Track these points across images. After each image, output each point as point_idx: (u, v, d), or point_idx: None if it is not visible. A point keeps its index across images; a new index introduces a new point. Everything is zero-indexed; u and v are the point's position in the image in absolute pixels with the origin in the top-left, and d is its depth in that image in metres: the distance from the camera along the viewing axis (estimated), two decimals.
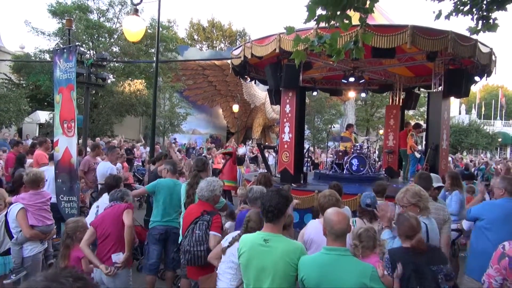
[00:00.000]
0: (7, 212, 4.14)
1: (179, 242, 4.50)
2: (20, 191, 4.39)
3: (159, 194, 4.73)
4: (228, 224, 4.67)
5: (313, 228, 3.44)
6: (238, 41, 35.74)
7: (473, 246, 3.94)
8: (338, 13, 3.05)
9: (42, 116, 20.86)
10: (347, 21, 3.14)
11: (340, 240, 2.49)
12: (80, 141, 10.48)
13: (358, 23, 3.72)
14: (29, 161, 7.63)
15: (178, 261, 4.89)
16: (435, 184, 4.30)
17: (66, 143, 5.58)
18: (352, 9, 3.09)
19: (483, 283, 2.84)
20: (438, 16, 4.40)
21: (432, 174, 4.54)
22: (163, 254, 4.81)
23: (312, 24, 3.41)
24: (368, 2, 3.10)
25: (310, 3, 2.99)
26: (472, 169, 14.12)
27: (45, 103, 21.67)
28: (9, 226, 4.09)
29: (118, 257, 3.66)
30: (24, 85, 21.83)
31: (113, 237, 3.71)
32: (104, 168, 6.45)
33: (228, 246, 3.10)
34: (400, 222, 2.88)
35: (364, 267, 2.44)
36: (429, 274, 2.65)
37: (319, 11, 3.09)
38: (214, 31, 36.90)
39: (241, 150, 17.18)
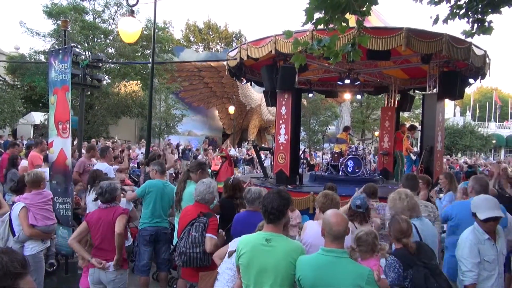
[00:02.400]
0: (11, 211, 4.21)
1: (174, 243, 4.49)
2: (24, 190, 4.44)
3: (149, 195, 4.67)
4: None
5: (312, 231, 3.40)
6: (234, 42, 35.78)
7: (446, 246, 4.07)
8: (337, 16, 3.06)
9: (37, 117, 20.75)
10: (344, 24, 3.16)
11: (338, 241, 2.50)
12: (75, 142, 10.43)
13: (354, 25, 3.74)
14: (24, 162, 7.56)
15: (171, 262, 4.89)
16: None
17: (61, 144, 5.55)
18: (350, 12, 3.11)
19: None
20: (436, 21, 4.44)
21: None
22: (153, 254, 4.79)
23: (308, 25, 3.43)
24: (365, 5, 3.12)
25: (308, 6, 3.00)
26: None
27: (40, 104, 21.58)
28: (12, 225, 4.14)
29: (109, 265, 3.67)
30: (18, 86, 21.72)
31: (110, 242, 3.68)
32: (101, 169, 6.40)
33: (235, 250, 3.09)
34: (391, 224, 2.95)
35: (361, 269, 2.45)
36: (439, 270, 2.70)
37: (317, 14, 3.11)
38: (210, 32, 36.92)
39: (232, 152, 17.22)
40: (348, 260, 2.48)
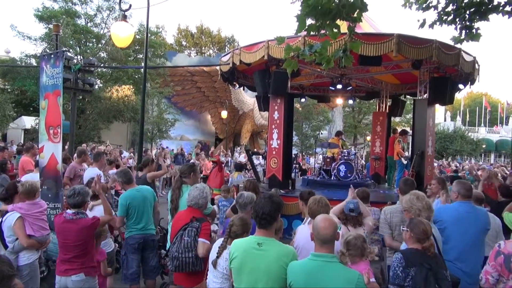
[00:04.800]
0: (1, 221, 4.08)
1: (167, 248, 4.47)
2: (14, 199, 4.32)
3: (129, 209, 4.60)
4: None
5: (303, 234, 3.43)
6: (226, 47, 35.84)
7: None
8: (327, 22, 3.10)
9: (28, 121, 20.56)
10: (336, 30, 3.20)
11: (327, 246, 2.52)
12: (67, 147, 10.35)
13: (346, 31, 3.78)
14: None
15: (163, 266, 4.85)
16: None
17: (52, 149, 5.51)
18: (340, 19, 3.15)
19: (481, 279, 2.99)
20: (422, 25, 4.54)
21: None
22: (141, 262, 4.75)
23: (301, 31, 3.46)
24: (356, 12, 3.16)
25: (300, 14, 3.04)
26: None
27: (31, 109, 21.39)
28: (3, 235, 4.04)
29: (77, 278, 3.66)
30: (9, 90, 21.51)
31: (72, 253, 3.69)
32: (91, 174, 6.36)
33: (217, 257, 3.09)
34: (414, 224, 2.86)
35: (350, 274, 2.47)
36: (444, 276, 2.67)
37: (309, 21, 3.15)
38: (203, 37, 36.95)
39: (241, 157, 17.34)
40: (337, 264, 2.50)
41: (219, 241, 3.23)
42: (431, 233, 2.84)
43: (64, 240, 3.70)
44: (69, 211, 3.78)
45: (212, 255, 3.19)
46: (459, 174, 12.01)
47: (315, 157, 14.49)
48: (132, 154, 16.62)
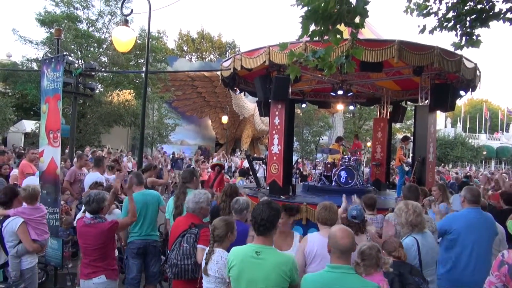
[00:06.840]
0: (2, 226, 4.08)
1: (165, 255, 4.43)
2: (13, 203, 4.30)
3: None
4: None
5: (316, 241, 3.33)
6: (227, 52, 35.97)
7: (442, 257, 3.97)
8: (330, 27, 3.09)
9: (28, 125, 20.59)
10: (339, 36, 3.18)
11: (345, 257, 2.46)
12: (67, 151, 10.33)
13: (348, 37, 3.77)
14: (15, 171, 7.46)
15: (162, 273, 4.81)
16: None
17: (52, 153, 5.48)
18: (343, 24, 3.14)
19: None
20: (422, 31, 4.55)
21: None
22: (143, 267, 4.70)
23: (303, 37, 3.46)
24: (358, 18, 3.15)
25: (303, 19, 3.03)
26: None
27: (31, 113, 21.40)
28: (4, 241, 4.05)
29: (99, 280, 3.65)
30: (10, 93, 21.55)
31: (92, 256, 3.69)
32: (92, 179, 6.35)
33: (206, 264, 3.06)
34: (386, 244, 3.13)
35: (369, 286, 2.42)
36: (412, 281, 2.70)
37: (312, 27, 3.14)
38: (204, 42, 37.10)
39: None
40: (355, 276, 2.45)
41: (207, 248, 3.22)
42: (397, 247, 3.05)
43: (84, 243, 3.73)
44: (88, 215, 3.78)
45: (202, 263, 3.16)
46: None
47: (314, 163, 14.46)
48: (131, 158, 16.59)
